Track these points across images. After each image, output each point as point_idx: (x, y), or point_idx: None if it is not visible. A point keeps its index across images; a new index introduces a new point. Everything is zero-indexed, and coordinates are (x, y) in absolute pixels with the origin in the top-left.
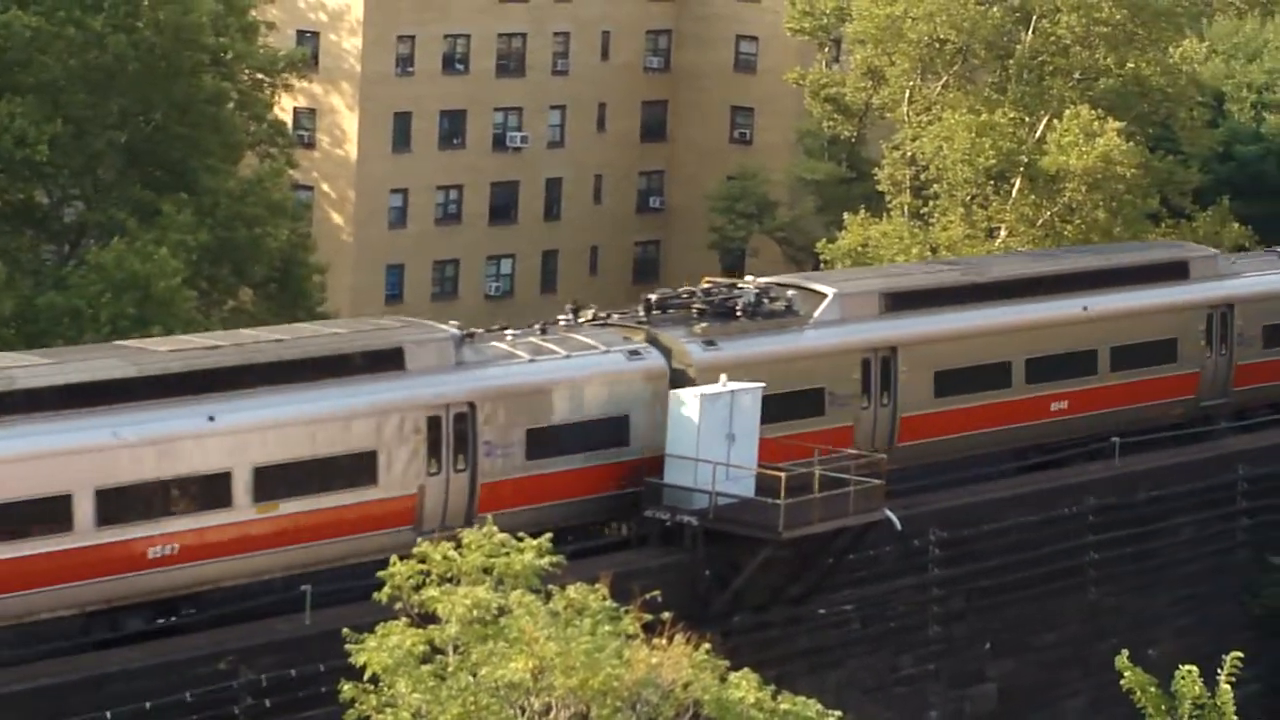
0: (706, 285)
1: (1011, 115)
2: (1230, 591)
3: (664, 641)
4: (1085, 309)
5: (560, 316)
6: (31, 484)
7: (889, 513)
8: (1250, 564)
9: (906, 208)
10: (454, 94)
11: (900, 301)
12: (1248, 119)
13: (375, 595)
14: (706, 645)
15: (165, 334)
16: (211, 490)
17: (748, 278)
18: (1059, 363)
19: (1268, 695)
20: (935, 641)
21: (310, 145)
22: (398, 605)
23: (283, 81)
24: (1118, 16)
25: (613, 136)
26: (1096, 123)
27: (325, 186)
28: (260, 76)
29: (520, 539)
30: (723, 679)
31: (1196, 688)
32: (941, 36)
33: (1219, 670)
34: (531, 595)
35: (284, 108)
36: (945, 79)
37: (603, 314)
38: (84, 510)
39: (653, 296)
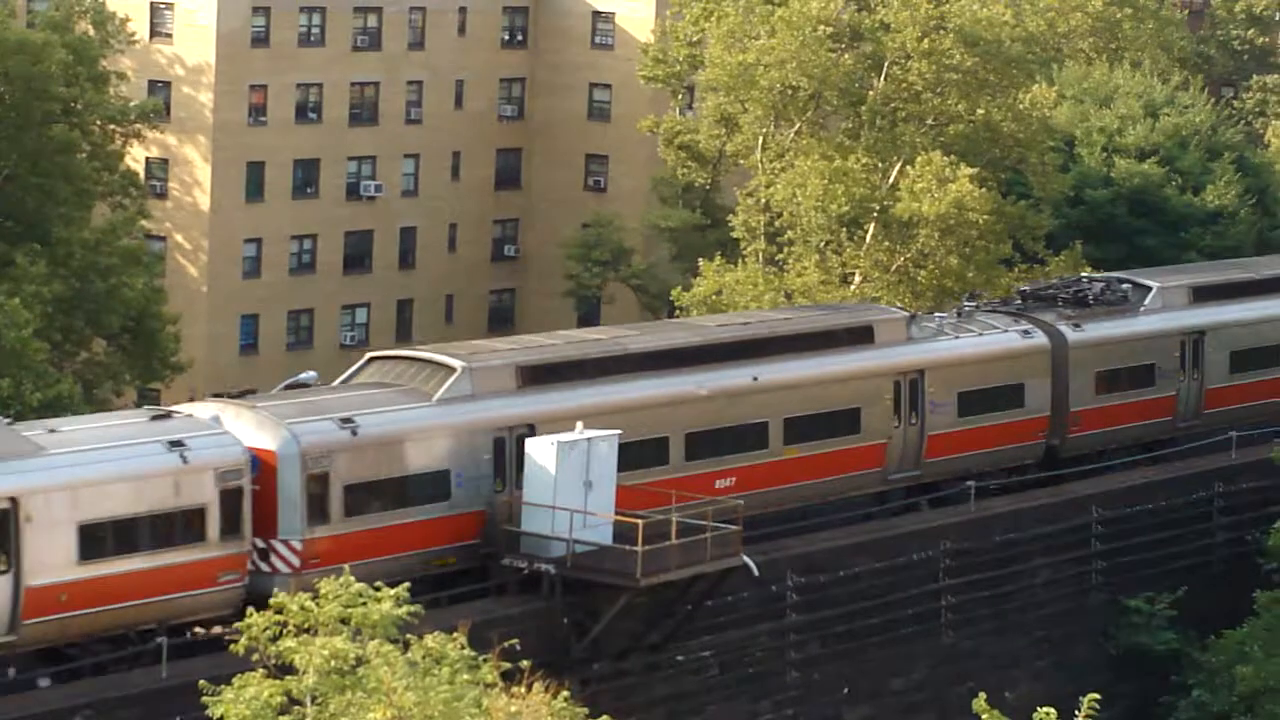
0: (1057, 280)
1: (864, 161)
2: (1087, 633)
3: (523, 690)
4: None
5: (967, 303)
6: (645, 428)
7: (746, 558)
8: (1106, 606)
9: (761, 254)
10: (307, 143)
11: (1204, 294)
12: (1098, 163)
13: (232, 646)
14: (565, 693)
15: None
16: (756, 435)
17: (1083, 274)
18: None
19: None
20: (793, 687)
21: (163, 195)
22: (255, 656)
23: (134, 131)
24: (968, 63)
25: (467, 185)
26: (949, 169)
27: (179, 237)
28: (112, 127)
29: (378, 588)
30: None
31: None
32: (794, 83)
33: (1076, 712)
34: (389, 645)
35: (136, 158)
36: (798, 126)
37: (984, 303)
38: (677, 449)
39: (1026, 288)
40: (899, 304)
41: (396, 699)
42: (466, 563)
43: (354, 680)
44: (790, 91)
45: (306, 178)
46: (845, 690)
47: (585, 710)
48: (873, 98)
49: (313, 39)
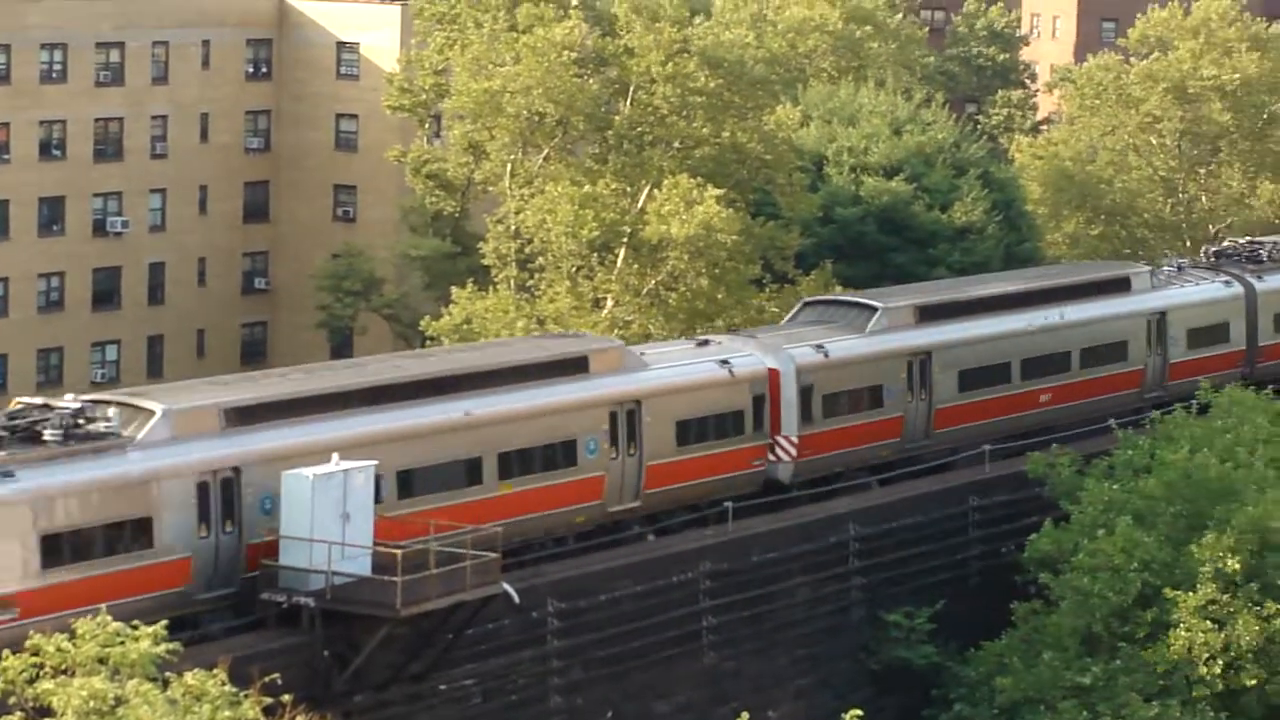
0: (1233, 242)
1: (613, 186)
2: (847, 650)
3: None
4: None
5: (1180, 260)
6: (995, 356)
7: (506, 586)
8: (866, 621)
9: (513, 281)
10: (52, 180)
11: None
12: (847, 182)
13: None
14: None
15: None
16: (1062, 361)
17: (1250, 237)
18: None
19: None
20: (557, 713)
21: None
22: (11, 699)
23: None
24: (712, 85)
25: (215, 218)
26: (696, 191)
27: None
28: None
29: (135, 627)
30: None
31: None
32: (540, 110)
33: None
34: (149, 684)
35: None
36: (546, 151)
37: (1184, 262)
38: (1015, 371)
39: (1215, 248)
40: (651, 326)
41: None
42: (895, 454)
43: None
44: (537, 118)
45: (52, 215)
46: (609, 715)
47: None
48: (619, 122)
49: (55, 75)
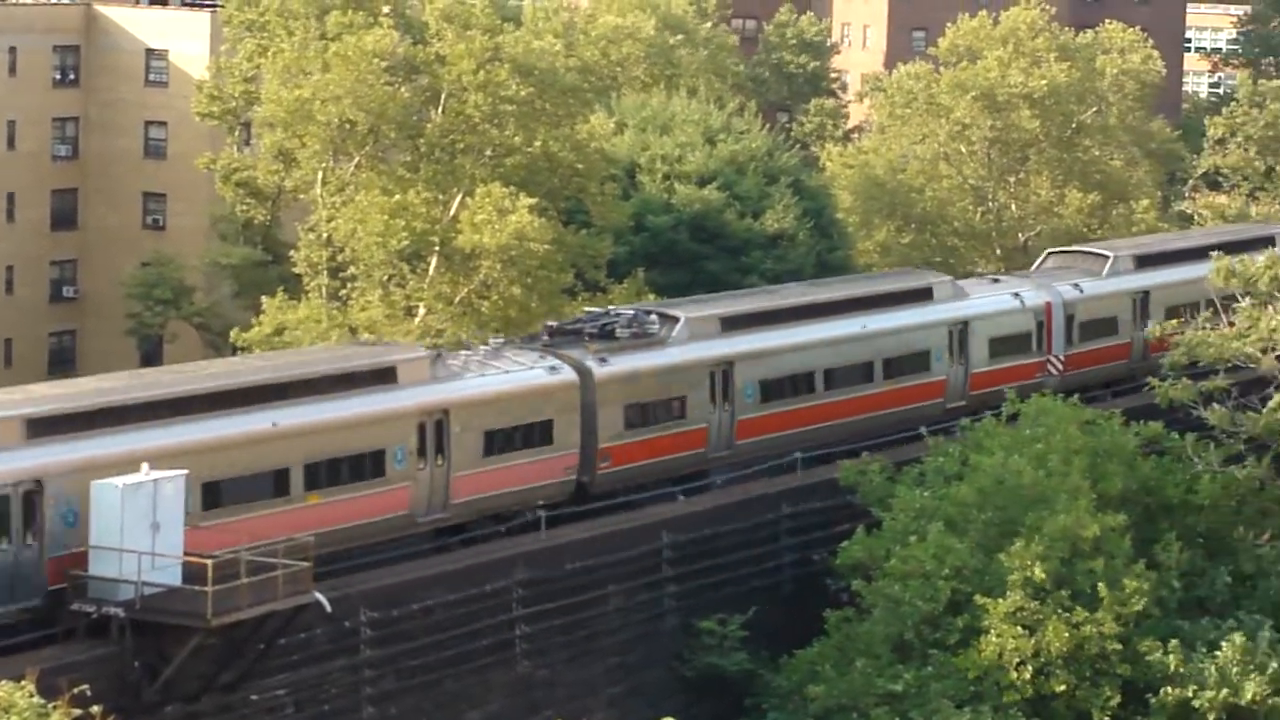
0: None
1: (424, 195)
2: (661, 657)
3: None
4: None
5: None
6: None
7: (319, 595)
8: (679, 629)
9: (324, 289)
10: None
11: None
12: (659, 190)
13: None
14: None
15: None
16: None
17: None
18: None
19: None
20: None
21: None
22: None
23: None
24: (524, 94)
25: (22, 226)
26: (508, 200)
27: None
28: None
29: None
30: None
31: None
32: (351, 118)
33: None
34: None
35: None
36: (357, 160)
37: None
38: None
39: None
40: (465, 334)
41: None
42: (1123, 374)
43: None
44: (348, 126)
45: None
46: None
47: None
48: (431, 130)
49: None
